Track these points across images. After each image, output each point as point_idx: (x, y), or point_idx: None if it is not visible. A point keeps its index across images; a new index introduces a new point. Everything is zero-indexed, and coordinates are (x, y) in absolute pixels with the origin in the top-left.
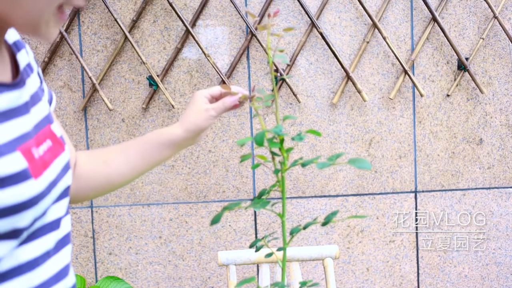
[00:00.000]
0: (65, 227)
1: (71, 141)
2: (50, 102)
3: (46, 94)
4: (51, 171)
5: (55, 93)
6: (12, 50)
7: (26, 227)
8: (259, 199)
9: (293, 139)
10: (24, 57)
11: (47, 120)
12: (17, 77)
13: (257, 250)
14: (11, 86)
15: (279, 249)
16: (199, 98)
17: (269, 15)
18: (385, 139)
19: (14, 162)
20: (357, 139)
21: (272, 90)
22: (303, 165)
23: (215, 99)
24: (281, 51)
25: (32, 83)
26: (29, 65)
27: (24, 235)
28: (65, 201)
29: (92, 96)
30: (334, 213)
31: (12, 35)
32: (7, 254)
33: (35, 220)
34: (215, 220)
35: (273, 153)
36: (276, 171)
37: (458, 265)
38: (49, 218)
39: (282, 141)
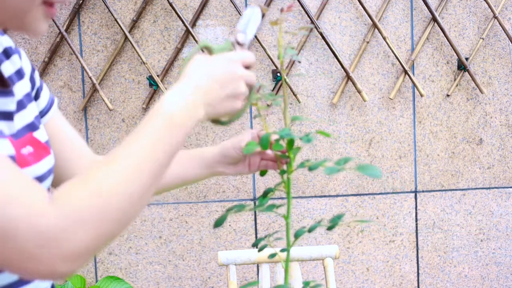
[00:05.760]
0: None
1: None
2: (50, 106)
3: (45, 98)
4: (36, 167)
5: (56, 95)
6: None
7: None
8: (264, 198)
9: (300, 139)
10: (14, 65)
11: (30, 128)
12: (7, 87)
13: (260, 250)
14: (1, 93)
15: (282, 250)
16: (245, 130)
17: (282, 10)
18: (385, 139)
19: (4, 147)
20: (357, 139)
21: (273, 90)
22: (311, 169)
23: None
24: (292, 48)
25: (19, 90)
26: (19, 71)
27: None
28: None
29: (92, 96)
30: (339, 217)
31: (4, 42)
32: None
33: None
34: (218, 223)
35: (279, 155)
36: (282, 172)
37: (458, 265)
38: None
39: (291, 142)
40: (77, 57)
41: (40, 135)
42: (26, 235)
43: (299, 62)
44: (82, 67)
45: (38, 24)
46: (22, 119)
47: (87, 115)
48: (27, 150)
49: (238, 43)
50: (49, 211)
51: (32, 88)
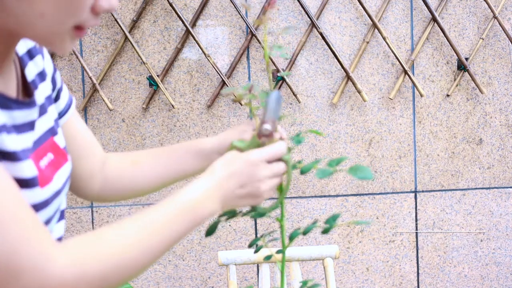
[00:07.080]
0: (57, 232)
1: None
2: (68, 107)
3: (64, 99)
4: (55, 182)
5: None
6: (21, 63)
7: None
8: None
9: (292, 139)
10: (36, 66)
11: (51, 132)
12: (31, 96)
13: (256, 251)
14: (23, 105)
15: (278, 251)
16: (245, 122)
17: (265, 8)
18: (385, 139)
19: (28, 169)
20: (357, 139)
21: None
22: (302, 171)
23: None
24: (279, 47)
25: (41, 93)
26: (41, 73)
27: None
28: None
29: (92, 96)
30: (334, 218)
31: (28, 42)
32: None
33: None
34: (210, 231)
35: None
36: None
37: (458, 265)
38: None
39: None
40: (77, 57)
41: (59, 139)
42: (32, 278)
43: (286, 58)
44: (82, 67)
45: (65, 45)
46: (44, 124)
47: (87, 115)
48: (48, 158)
49: (266, 135)
50: (57, 260)
51: (53, 89)
